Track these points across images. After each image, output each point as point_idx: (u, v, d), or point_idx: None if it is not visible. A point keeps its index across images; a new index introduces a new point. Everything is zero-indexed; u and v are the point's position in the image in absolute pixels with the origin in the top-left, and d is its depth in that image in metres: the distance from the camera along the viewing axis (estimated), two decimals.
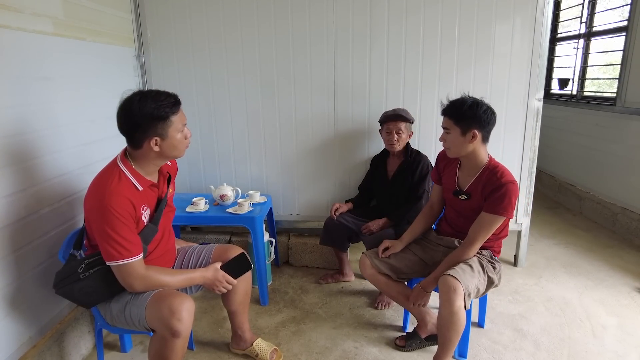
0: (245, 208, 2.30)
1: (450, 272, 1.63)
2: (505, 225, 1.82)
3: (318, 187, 2.77)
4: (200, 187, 2.79)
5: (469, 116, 1.68)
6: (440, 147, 2.57)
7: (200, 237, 2.86)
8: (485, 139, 1.74)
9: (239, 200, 2.34)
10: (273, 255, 2.61)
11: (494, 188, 1.70)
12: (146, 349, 2.01)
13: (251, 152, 2.74)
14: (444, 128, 1.76)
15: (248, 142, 2.72)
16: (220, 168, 2.78)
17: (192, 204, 2.34)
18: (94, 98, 2.12)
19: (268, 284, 2.54)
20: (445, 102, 1.77)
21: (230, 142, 2.73)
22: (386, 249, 1.97)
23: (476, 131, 1.69)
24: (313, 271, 2.77)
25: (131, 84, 2.53)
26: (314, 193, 2.79)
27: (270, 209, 2.61)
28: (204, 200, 2.36)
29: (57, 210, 1.81)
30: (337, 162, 2.72)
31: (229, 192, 2.40)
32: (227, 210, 2.33)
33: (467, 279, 1.63)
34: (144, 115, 1.39)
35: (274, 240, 2.61)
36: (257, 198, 2.47)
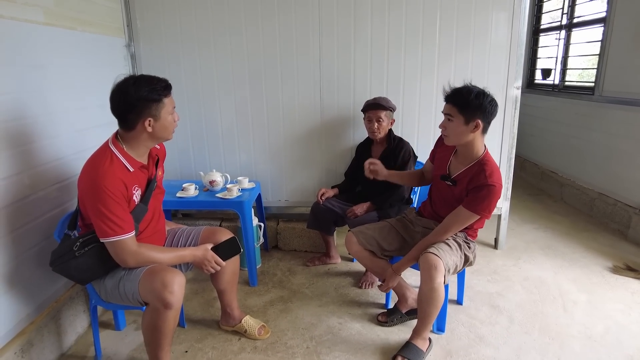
0: (234, 193, 2.38)
1: (431, 250, 1.73)
2: (482, 219, 1.85)
3: (305, 173, 2.86)
4: (190, 174, 2.86)
5: (474, 105, 1.67)
6: (421, 134, 2.72)
7: (191, 223, 2.93)
8: (485, 130, 1.75)
9: (228, 186, 2.42)
10: (262, 239, 2.70)
11: (478, 186, 1.72)
12: (139, 327, 2.09)
13: (240, 140, 2.81)
14: (446, 114, 1.76)
15: (237, 130, 2.80)
16: (209, 155, 2.85)
17: (182, 190, 2.42)
18: (85, 87, 2.18)
19: (257, 267, 2.64)
20: (448, 89, 1.76)
21: (219, 130, 2.80)
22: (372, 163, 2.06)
23: (479, 121, 1.69)
24: (301, 254, 2.87)
25: (122, 74, 2.58)
26: (301, 179, 2.87)
27: (259, 194, 2.69)
28: (194, 186, 2.44)
29: (52, 193, 1.88)
30: (323, 149, 2.80)
31: (218, 178, 2.48)
32: (216, 195, 2.41)
33: (446, 256, 1.73)
34: (140, 97, 1.48)
35: (262, 225, 2.70)
36: (246, 184, 2.55)
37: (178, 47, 2.68)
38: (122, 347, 1.97)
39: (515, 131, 2.71)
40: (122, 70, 2.60)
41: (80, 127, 2.13)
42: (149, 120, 1.52)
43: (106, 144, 1.56)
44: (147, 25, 2.66)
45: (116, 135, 1.59)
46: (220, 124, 2.79)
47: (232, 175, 2.63)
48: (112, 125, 2.27)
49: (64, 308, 1.92)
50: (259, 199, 2.71)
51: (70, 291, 2.00)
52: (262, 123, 2.77)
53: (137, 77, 1.54)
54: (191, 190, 2.41)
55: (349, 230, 2.13)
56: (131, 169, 1.55)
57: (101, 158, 1.51)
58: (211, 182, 2.46)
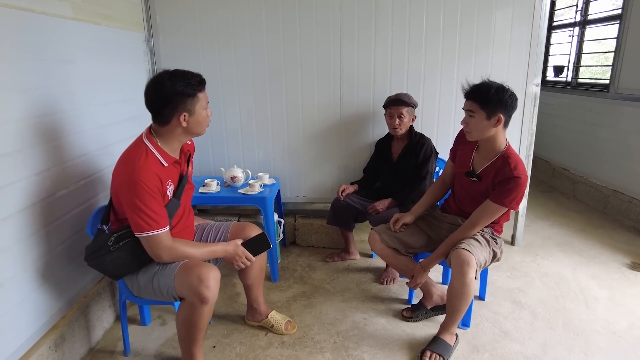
0: (256, 189, 2.39)
1: (462, 245, 1.74)
2: (508, 212, 1.88)
3: (323, 170, 2.86)
4: (209, 170, 2.86)
5: (495, 100, 1.71)
6: (441, 131, 2.72)
7: (209, 218, 2.92)
8: (506, 124, 1.78)
9: (249, 182, 2.43)
10: (281, 235, 2.71)
11: (504, 179, 1.75)
12: (165, 322, 2.11)
13: (259, 135, 2.81)
14: (467, 111, 1.79)
15: (255, 125, 2.79)
16: (228, 151, 2.85)
17: (204, 185, 2.42)
18: (108, 82, 2.18)
19: (277, 262, 2.64)
20: (467, 86, 1.79)
21: (238, 125, 2.80)
22: (397, 221, 2.06)
23: (501, 115, 1.73)
24: (319, 250, 2.88)
25: (141, 69, 2.58)
26: (319, 176, 2.88)
27: (278, 190, 2.70)
28: (215, 182, 2.45)
29: (80, 189, 1.88)
30: (342, 146, 2.81)
31: (239, 173, 2.48)
32: (238, 191, 2.41)
33: (477, 252, 1.74)
34: (175, 92, 1.48)
35: (282, 221, 2.71)
36: (267, 180, 2.56)
37: (198, 42, 2.67)
38: (149, 342, 1.97)
39: (534, 128, 2.72)
40: (142, 65, 2.59)
41: (104, 123, 2.13)
42: (184, 115, 1.52)
43: (140, 139, 1.56)
44: (167, 21, 2.65)
45: (150, 130, 1.58)
46: (240, 120, 2.79)
47: (251, 171, 2.63)
48: (133, 121, 2.28)
49: (92, 303, 1.93)
50: (278, 194, 2.71)
51: (97, 286, 2.00)
52: (281, 119, 2.77)
53: (172, 71, 1.54)
54: (213, 186, 2.41)
55: (371, 229, 2.13)
56: (165, 164, 1.56)
57: (136, 152, 1.51)
58: (232, 178, 2.47)
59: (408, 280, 2.02)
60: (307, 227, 2.91)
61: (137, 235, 1.50)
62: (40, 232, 1.62)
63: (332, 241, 2.90)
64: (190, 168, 1.77)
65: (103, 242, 1.55)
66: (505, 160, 1.78)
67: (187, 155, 1.72)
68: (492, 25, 2.55)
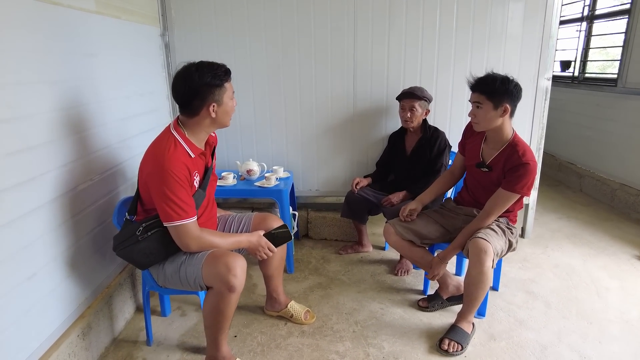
0: (273, 182, 2.42)
1: (479, 235, 1.78)
2: (520, 199, 1.93)
3: (336, 163, 2.89)
4: (223, 163, 2.88)
5: (501, 91, 1.77)
6: (453, 124, 2.75)
7: None
8: (512, 114, 1.84)
9: (266, 175, 2.46)
10: (296, 228, 2.74)
11: (514, 166, 1.80)
12: (184, 313, 2.15)
13: (272, 129, 2.84)
14: (474, 102, 1.84)
15: (269, 119, 2.82)
16: (242, 145, 2.87)
17: (221, 178, 2.45)
18: (127, 76, 2.20)
19: (292, 254, 2.67)
20: (472, 79, 1.85)
21: (252, 119, 2.82)
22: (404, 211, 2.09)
23: (507, 105, 1.78)
24: (332, 243, 2.92)
25: (157, 64, 2.60)
26: (332, 169, 2.91)
27: (292, 184, 2.73)
28: (232, 175, 2.48)
29: (102, 181, 1.91)
30: (355, 139, 2.83)
31: (255, 167, 2.51)
32: (255, 184, 2.44)
33: (494, 241, 1.78)
34: (204, 83, 1.50)
35: (296, 214, 2.73)
36: (282, 173, 2.59)
37: (212, 37, 2.69)
38: (170, 332, 2.00)
39: (545, 122, 2.75)
40: (157, 59, 2.60)
41: (123, 116, 2.15)
42: (213, 106, 1.55)
43: (168, 130, 1.59)
44: (181, 15, 2.67)
45: (177, 121, 1.61)
46: (254, 113, 2.81)
47: (265, 164, 2.65)
48: (151, 114, 2.30)
49: (114, 294, 1.96)
50: (291, 188, 2.74)
51: (119, 277, 2.03)
52: (295, 113, 2.79)
53: (197, 63, 1.56)
54: (230, 179, 2.44)
55: (386, 222, 2.16)
56: (192, 155, 1.58)
57: (165, 143, 1.53)
58: (248, 171, 2.49)
59: (424, 271, 2.05)
60: (319, 220, 2.94)
61: (165, 224, 1.53)
62: (69, 223, 1.65)
63: (345, 234, 2.94)
64: (214, 160, 1.80)
65: (131, 232, 1.58)
66: (514, 148, 1.84)
67: (212, 147, 1.75)
68: (505, 19, 2.57)
